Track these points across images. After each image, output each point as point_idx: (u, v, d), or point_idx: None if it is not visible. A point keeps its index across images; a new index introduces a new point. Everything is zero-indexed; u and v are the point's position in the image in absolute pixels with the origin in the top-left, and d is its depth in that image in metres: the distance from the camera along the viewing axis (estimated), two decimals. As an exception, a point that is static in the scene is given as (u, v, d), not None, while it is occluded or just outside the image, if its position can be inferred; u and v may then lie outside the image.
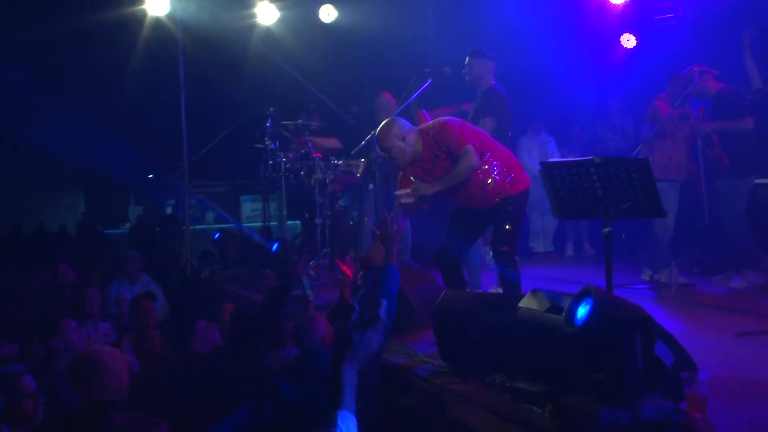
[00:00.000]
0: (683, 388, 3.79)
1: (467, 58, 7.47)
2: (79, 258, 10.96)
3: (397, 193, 5.78)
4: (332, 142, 9.71)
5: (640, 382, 3.53)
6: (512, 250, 5.81)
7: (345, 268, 9.11)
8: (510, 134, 7.42)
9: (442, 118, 5.90)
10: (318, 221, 9.08)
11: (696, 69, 7.76)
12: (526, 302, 4.39)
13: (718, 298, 7.27)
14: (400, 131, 5.73)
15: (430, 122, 5.97)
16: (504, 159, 5.86)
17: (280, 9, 11.95)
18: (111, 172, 15.77)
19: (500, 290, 6.87)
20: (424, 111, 7.73)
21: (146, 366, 6.17)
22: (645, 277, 8.17)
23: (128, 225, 18.41)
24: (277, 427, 4.58)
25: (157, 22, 11.58)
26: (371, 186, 8.65)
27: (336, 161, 9.10)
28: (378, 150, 8.12)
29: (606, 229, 4.69)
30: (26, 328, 5.98)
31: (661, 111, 7.98)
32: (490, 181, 5.77)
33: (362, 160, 8.77)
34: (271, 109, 9.98)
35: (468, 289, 7.27)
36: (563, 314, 3.90)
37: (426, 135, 5.78)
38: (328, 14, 11.80)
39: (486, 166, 5.74)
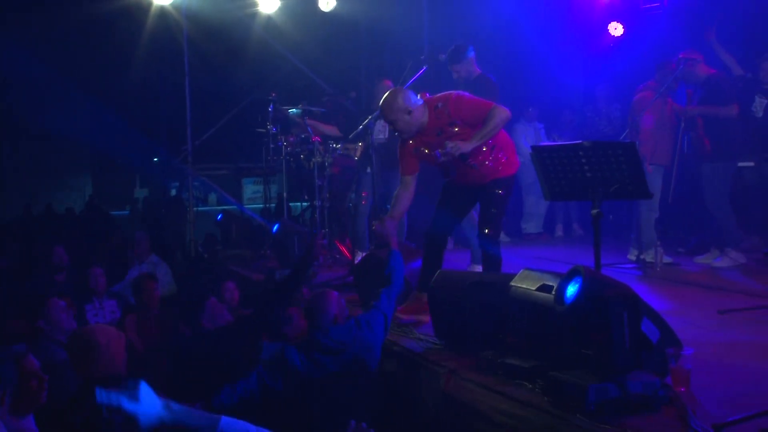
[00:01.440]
0: (668, 363, 3.78)
1: (450, 66, 7.39)
2: (85, 238, 10.95)
3: (435, 154, 5.48)
4: (332, 130, 9.65)
5: (627, 357, 3.52)
6: (496, 232, 5.69)
7: (343, 248, 9.12)
8: None
9: (453, 92, 5.68)
10: (317, 203, 9.07)
11: (681, 56, 7.72)
12: (518, 281, 4.37)
13: (702, 277, 7.25)
14: (405, 104, 5.47)
15: (438, 95, 5.69)
16: (503, 139, 5.72)
17: (281, -2, 11.91)
18: (117, 156, 15.76)
19: (477, 269, 6.89)
20: (427, 94, 7.64)
21: (148, 345, 6.15)
22: (631, 257, 8.15)
23: (133, 206, 18.41)
24: (285, 397, 4.58)
25: (162, 11, 11.54)
26: (369, 169, 8.62)
27: (335, 145, 9.07)
28: (375, 135, 8.10)
29: (594, 211, 4.67)
30: (28, 307, 5.91)
31: (646, 102, 7.95)
32: (488, 159, 5.61)
33: (360, 144, 8.73)
34: (273, 94, 9.93)
35: (471, 266, 7.28)
36: (553, 293, 3.89)
37: (434, 108, 5.54)
38: (327, 3, 11.73)
39: (484, 148, 5.57)
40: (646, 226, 7.97)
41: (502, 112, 5.44)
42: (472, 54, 7.38)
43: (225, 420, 2.44)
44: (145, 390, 2.40)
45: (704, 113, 7.66)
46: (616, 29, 10.32)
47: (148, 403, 2.38)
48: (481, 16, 10.39)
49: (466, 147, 5.35)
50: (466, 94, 5.67)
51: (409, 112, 5.48)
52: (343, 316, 4.89)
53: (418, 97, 5.67)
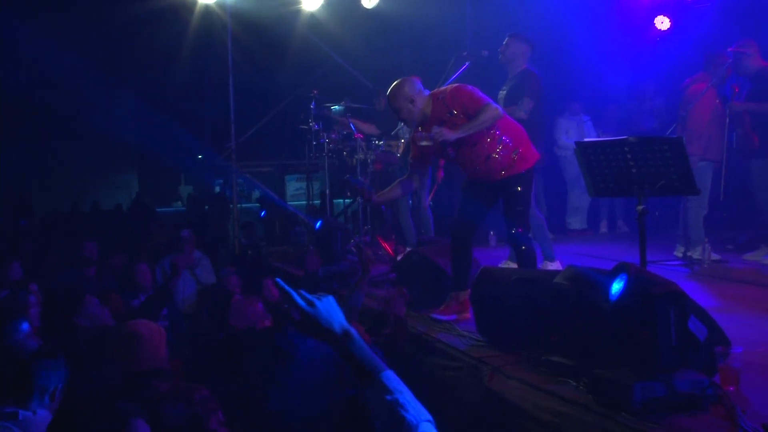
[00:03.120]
0: (717, 362, 3.72)
1: (506, 39, 7.39)
2: (132, 235, 11.09)
3: (416, 135, 5.61)
4: (370, 128, 9.66)
5: (673, 356, 3.48)
6: (526, 229, 5.69)
7: (386, 245, 9.13)
8: (544, 114, 7.28)
9: (455, 85, 5.79)
10: (360, 200, 9.09)
11: (731, 49, 7.58)
12: (562, 278, 4.33)
13: (751, 275, 7.12)
14: (409, 93, 5.59)
15: (444, 87, 5.85)
16: (512, 133, 5.65)
17: (325, -5, 11.96)
18: (163, 154, 15.92)
19: (512, 265, 6.87)
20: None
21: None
22: (678, 253, 8.03)
23: (179, 203, 18.63)
24: None
25: (207, 9, 11.64)
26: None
27: (377, 142, 9.08)
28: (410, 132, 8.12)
29: (640, 207, 4.61)
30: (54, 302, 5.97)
31: (698, 95, 7.82)
32: (495, 154, 5.56)
33: (402, 140, 8.73)
34: (315, 92, 9.97)
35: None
36: (598, 290, 3.84)
37: (437, 99, 5.62)
38: (369, 0, 11.74)
39: (489, 139, 5.54)
40: (694, 223, 7.84)
41: (493, 110, 5.45)
42: (527, 47, 7.37)
43: (388, 373, 2.44)
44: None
45: (751, 110, 7.49)
46: (662, 23, 10.15)
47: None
48: (525, 11, 10.31)
49: (450, 135, 5.38)
50: (467, 86, 5.68)
51: (412, 101, 5.60)
52: None
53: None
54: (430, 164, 6.09)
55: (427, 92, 5.69)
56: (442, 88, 5.85)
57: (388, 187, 6.08)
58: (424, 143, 5.51)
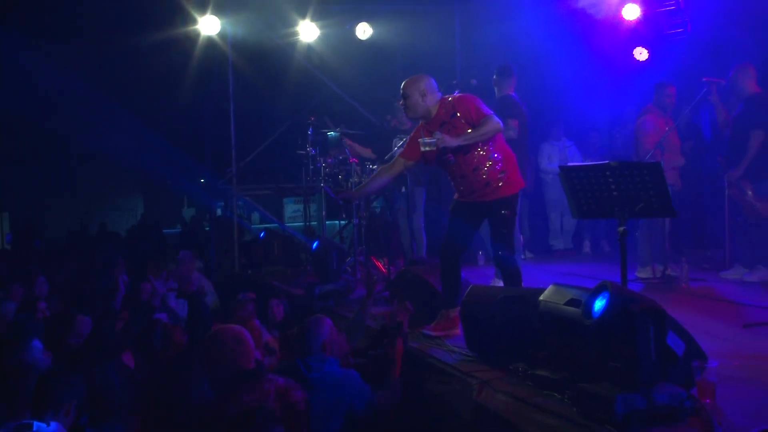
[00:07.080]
0: (694, 376, 3.74)
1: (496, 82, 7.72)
2: (138, 255, 11.07)
3: (419, 140, 5.57)
4: (367, 152, 9.69)
5: (653, 370, 3.49)
6: (511, 250, 5.71)
7: (379, 264, 9.15)
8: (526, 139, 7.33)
9: (465, 93, 5.89)
10: (354, 221, 9.11)
11: (705, 79, 7.67)
12: (547, 296, 4.35)
13: (728, 292, 7.14)
14: (424, 87, 5.68)
15: (453, 94, 5.92)
16: (503, 154, 5.67)
17: (321, 27, 12.06)
18: (167, 178, 15.94)
19: (499, 282, 6.91)
20: None
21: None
22: (642, 274, 8.05)
23: (179, 225, 18.62)
24: None
25: (209, 41, 11.70)
26: (404, 189, 8.67)
27: (371, 166, 9.12)
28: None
29: (621, 228, 4.64)
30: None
31: (649, 124, 7.93)
32: (483, 169, 5.58)
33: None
34: (312, 118, 10.00)
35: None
36: (581, 307, 3.86)
37: (444, 101, 5.68)
38: (363, 32, 11.87)
39: (482, 152, 5.56)
40: (645, 242, 7.93)
41: (496, 123, 5.49)
42: (509, 79, 7.53)
43: None
44: None
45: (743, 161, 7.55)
46: (641, 54, 10.24)
47: None
48: (510, 43, 10.38)
49: (451, 142, 5.41)
50: (474, 96, 5.75)
51: (423, 96, 5.68)
52: (336, 348, 4.63)
53: None
54: (424, 164, 6.10)
55: (440, 95, 5.76)
56: (452, 94, 5.92)
57: (370, 180, 6.19)
58: (426, 148, 5.49)
